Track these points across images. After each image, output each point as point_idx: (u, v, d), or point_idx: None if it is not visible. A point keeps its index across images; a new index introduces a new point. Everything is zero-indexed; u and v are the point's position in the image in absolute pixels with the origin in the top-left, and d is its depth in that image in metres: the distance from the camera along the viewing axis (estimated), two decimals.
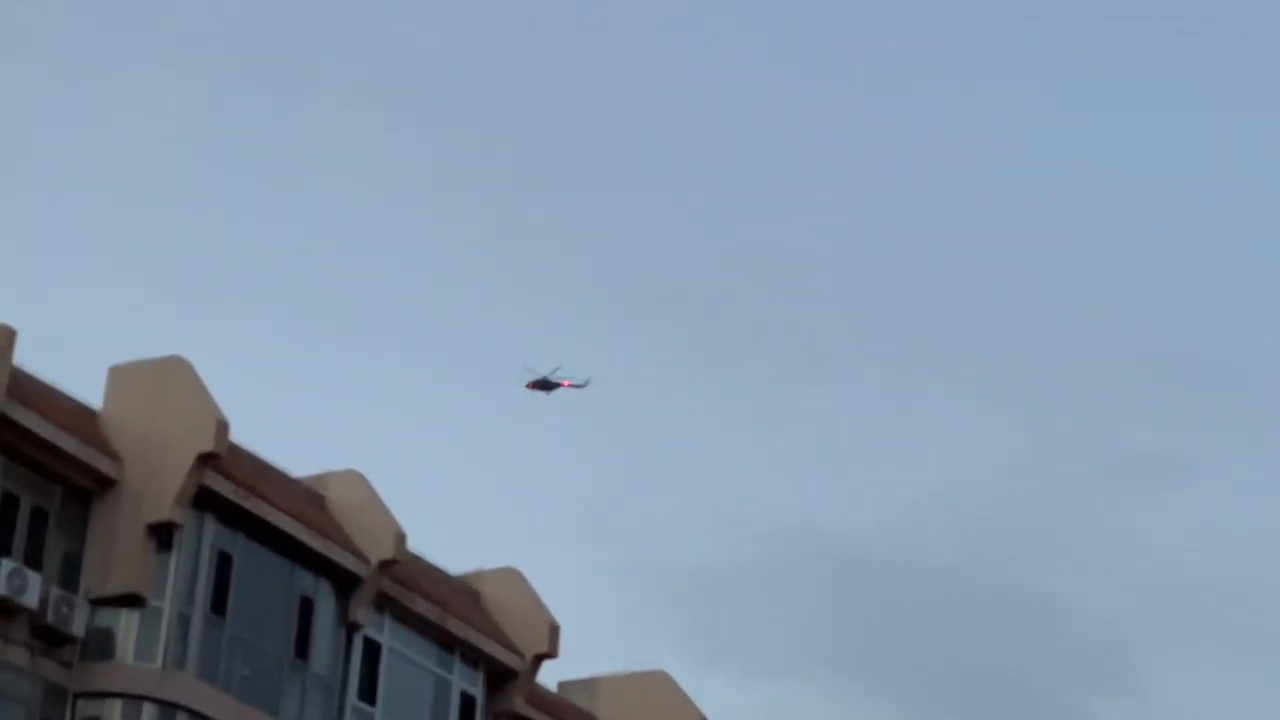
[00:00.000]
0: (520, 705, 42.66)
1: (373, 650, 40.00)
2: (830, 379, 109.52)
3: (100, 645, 35.59)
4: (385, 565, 39.36)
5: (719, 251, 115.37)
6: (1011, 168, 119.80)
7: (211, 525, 37.02)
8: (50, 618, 34.44)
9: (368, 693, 39.64)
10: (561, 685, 46.44)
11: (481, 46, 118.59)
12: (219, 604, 36.84)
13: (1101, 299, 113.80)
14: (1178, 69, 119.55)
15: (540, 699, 43.84)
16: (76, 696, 35.10)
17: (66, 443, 35.33)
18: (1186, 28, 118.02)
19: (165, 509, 35.68)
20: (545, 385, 73.32)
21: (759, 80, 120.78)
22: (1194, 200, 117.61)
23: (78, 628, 34.93)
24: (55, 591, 34.67)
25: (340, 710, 38.87)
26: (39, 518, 35.37)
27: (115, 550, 35.66)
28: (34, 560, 34.87)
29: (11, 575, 33.84)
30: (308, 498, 39.84)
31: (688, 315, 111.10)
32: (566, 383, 73.39)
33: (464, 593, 43.17)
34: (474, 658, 42.02)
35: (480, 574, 44.05)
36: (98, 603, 35.51)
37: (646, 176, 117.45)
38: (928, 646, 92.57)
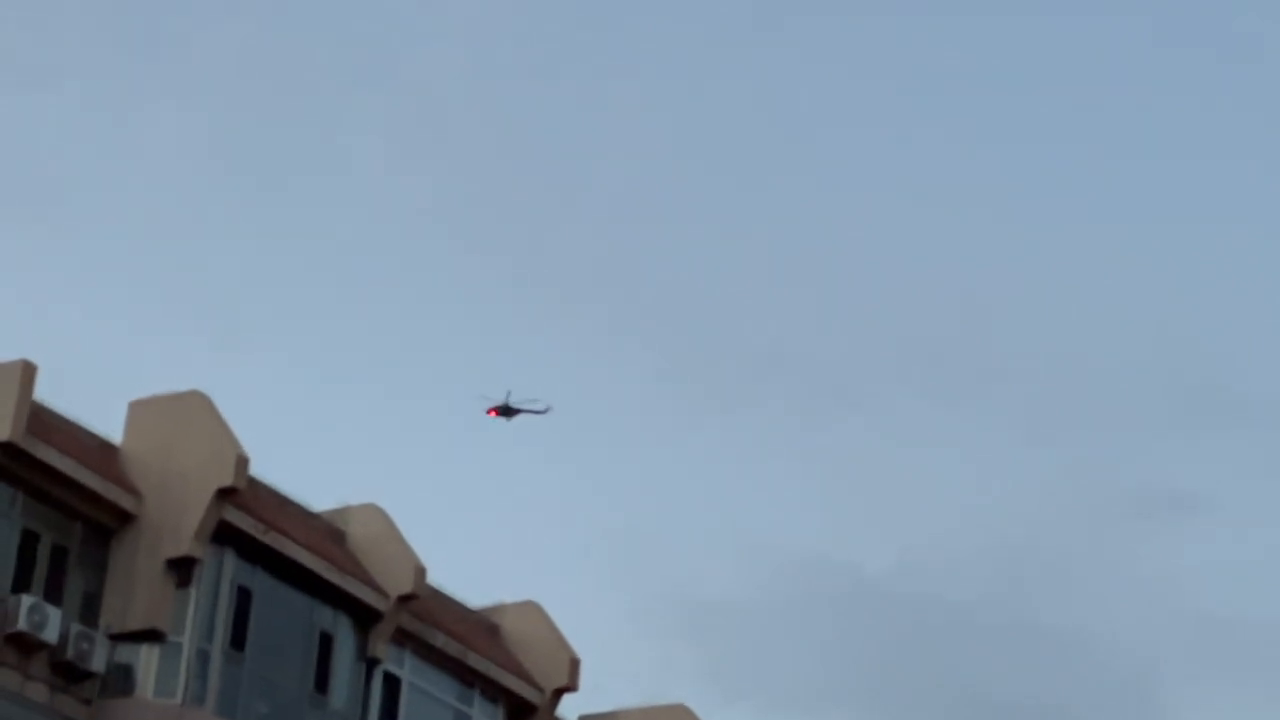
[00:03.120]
0: None
1: (393, 685, 39.95)
2: (850, 411, 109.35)
3: (120, 681, 35.55)
4: (405, 600, 39.33)
5: (737, 284, 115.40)
6: (1033, 198, 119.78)
7: (231, 560, 37.00)
8: (70, 653, 34.42)
9: None
10: (582, 718, 46.36)
11: (501, 84, 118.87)
12: (238, 639, 36.79)
13: (1123, 332, 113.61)
14: (1207, 94, 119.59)
15: None
16: None
17: (86, 478, 35.35)
18: (1223, 46, 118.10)
19: (185, 544, 35.68)
20: (506, 411, 73.66)
21: (772, 114, 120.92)
22: (1217, 232, 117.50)
23: (98, 663, 34.91)
24: (75, 627, 34.65)
25: None
26: (59, 553, 35.37)
27: (135, 585, 35.66)
28: (54, 596, 34.88)
29: (31, 611, 33.83)
30: (327, 532, 39.83)
31: (706, 348, 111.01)
32: (525, 409, 73.69)
33: (484, 627, 43.12)
34: (494, 692, 41.96)
35: (500, 608, 44.04)
36: (117, 638, 35.49)
37: (666, 212, 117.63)
38: (949, 681, 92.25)
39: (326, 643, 38.48)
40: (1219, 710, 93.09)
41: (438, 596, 41.74)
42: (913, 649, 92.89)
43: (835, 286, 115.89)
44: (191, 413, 36.91)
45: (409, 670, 40.30)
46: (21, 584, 34.47)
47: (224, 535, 36.58)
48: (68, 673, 34.68)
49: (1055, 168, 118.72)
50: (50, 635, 34.06)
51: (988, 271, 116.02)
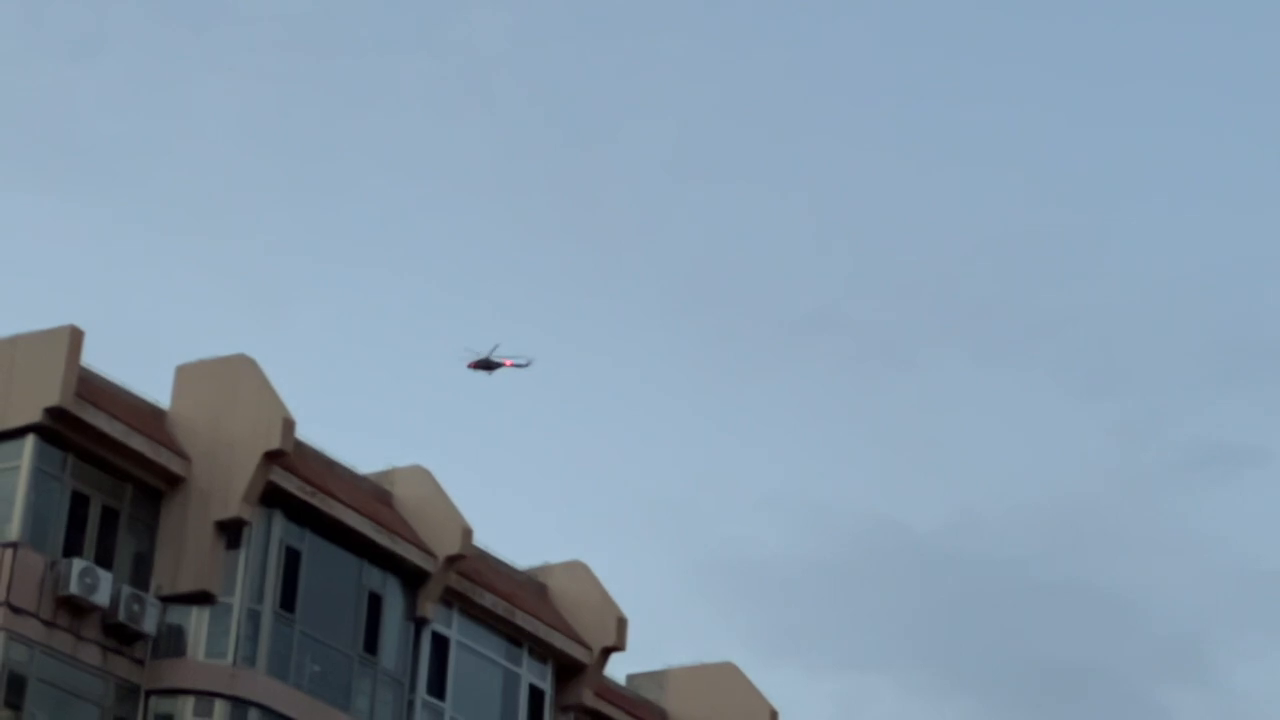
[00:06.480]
0: (589, 698, 42.79)
1: (441, 645, 40.14)
2: (902, 371, 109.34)
3: (171, 642, 35.83)
4: (452, 560, 39.51)
5: (790, 242, 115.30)
6: (1083, 157, 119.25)
7: (280, 522, 37.22)
8: (122, 616, 34.69)
9: (437, 687, 39.78)
10: (630, 678, 46.53)
11: (545, 47, 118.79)
12: (288, 601, 37.01)
13: (1173, 288, 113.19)
14: (1252, 51, 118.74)
15: (609, 692, 43.95)
16: (149, 694, 35.33)
17: (136, 442, 35.58)
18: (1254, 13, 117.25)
19: (234, 507, 35.91)
20: (487, 365, 73.61)
21: (829, 73, 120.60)
22: (1266, 187, 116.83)
23: (149, 625, 35.17)
24: (126, 590, 34.91)
25: (410, 705, 39.02)
26: (109, 517, 35.63)
27: (185, 548, 35.90)
28: (105, 559, 35.14)
29: (83, 574, 34.09)
30: (374, 494, 40.01)
31: (759, 308, 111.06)
32: (508, 362, 73.62)
33: (531, 587, 43.28)
34: (542, 651, 42.13)
35: (547, 568, 44.18)
36: (168, 600, 35.76)
37: (714, 170, 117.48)
38: (1001, 638, 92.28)
39: (375, 603, 38.68)
40: (1269, 663, 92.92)
41: (485, 557, 41.91)
42: (963, 607, 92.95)
43: (885, 247, 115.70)
44: (238, 376, 37.09)
45: (457, 630, 40.49)
46: (73, 548, 34.75)
47: (272, 497, 36.79)
48: (119, 635, 34.95)
49: (1100, 124, 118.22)
50: (101, 598, 34.33)
51: (1036, 231, 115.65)
